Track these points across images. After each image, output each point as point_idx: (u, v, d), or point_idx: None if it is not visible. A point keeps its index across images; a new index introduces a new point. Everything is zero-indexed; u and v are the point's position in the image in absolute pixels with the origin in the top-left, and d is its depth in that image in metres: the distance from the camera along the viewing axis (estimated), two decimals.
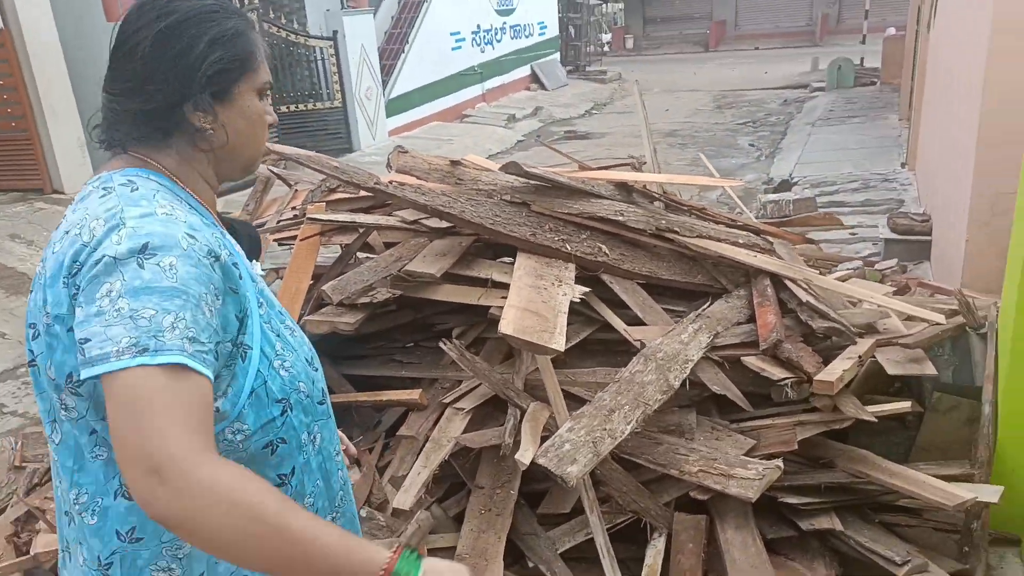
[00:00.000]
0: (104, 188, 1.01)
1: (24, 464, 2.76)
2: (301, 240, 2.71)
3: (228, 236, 1.13)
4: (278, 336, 1.10)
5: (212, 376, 0.94)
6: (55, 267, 0.96)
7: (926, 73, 6.15)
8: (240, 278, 1.04)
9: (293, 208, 3.08)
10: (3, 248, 6.40)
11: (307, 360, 1.15)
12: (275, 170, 3.24)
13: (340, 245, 2.92)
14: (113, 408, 0.89)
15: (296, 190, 3.25)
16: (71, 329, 0.94)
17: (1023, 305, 2.17)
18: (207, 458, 0.88)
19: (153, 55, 1.01)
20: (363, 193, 2.88)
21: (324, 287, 2.50)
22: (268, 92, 1.13)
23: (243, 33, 1.07)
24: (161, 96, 1.02)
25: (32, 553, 2.14)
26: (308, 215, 2.72)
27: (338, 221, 2.72)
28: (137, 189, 1.01)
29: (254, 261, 1.22)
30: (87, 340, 0.90)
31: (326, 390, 1.20)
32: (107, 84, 1.05)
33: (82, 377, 0.91)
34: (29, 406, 4.18)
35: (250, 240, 1.28)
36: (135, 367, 0.88)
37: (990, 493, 2.05)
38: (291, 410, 1.08)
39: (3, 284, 5.82)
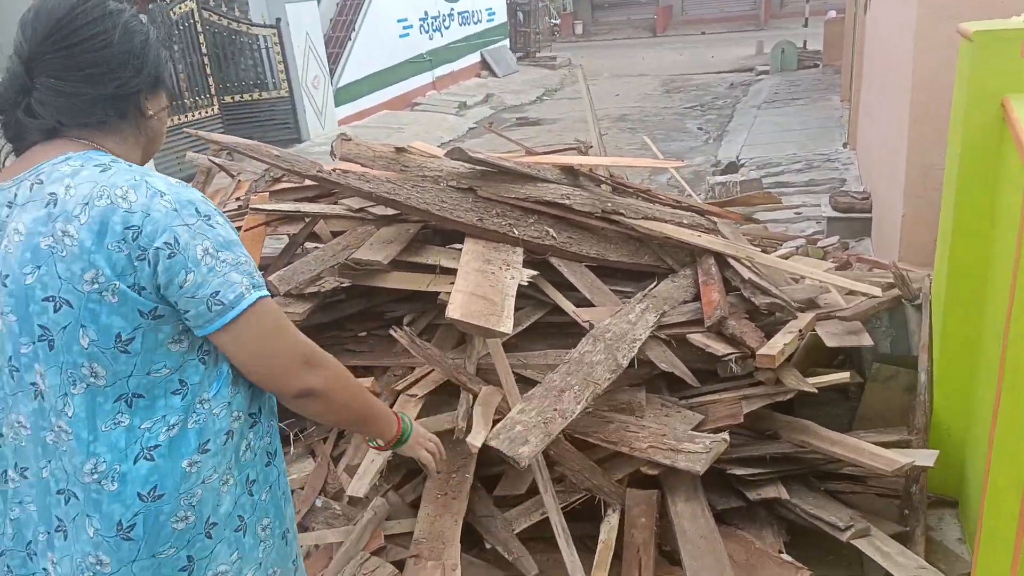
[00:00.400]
0: (96, 165, 1.07)
1: None
2: (245, 231, 2.66)
3: None
4: None
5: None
6: (93, 236, 1.02)
7: (864, 54, 6.31)
8: None
9: (237, 199, 3.02)
10: None
11: None
12: (217, 160, 3.18)
13: (287, 235, 2.89)
14: (262, 333, 1.11)
15: (239, 180, 3.19)
16: (132, 287, 1.04)
17: (954, 276, 2.26)
18: (323, 351, 1.21)
19: (122, 44, 1.10)
20: (308, 182, 2.84)
21: (271, 277, 2.46)
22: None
23: (149, 34, 1.18)
24: (131, 84, 1.12)
25: None
26: (252, 205, 2.68)
27: (283, 211, 2.68)
28: (118, 163, 1.10)
29: None
30: (217, 291, 1.07)
31: None
32: (58, 72, 1.08)
33: (215, 328, 1.08)
34: None
35: None
36: (262, 298, 1.11)
37: (926, 457, 2.13)
38: None
39: None
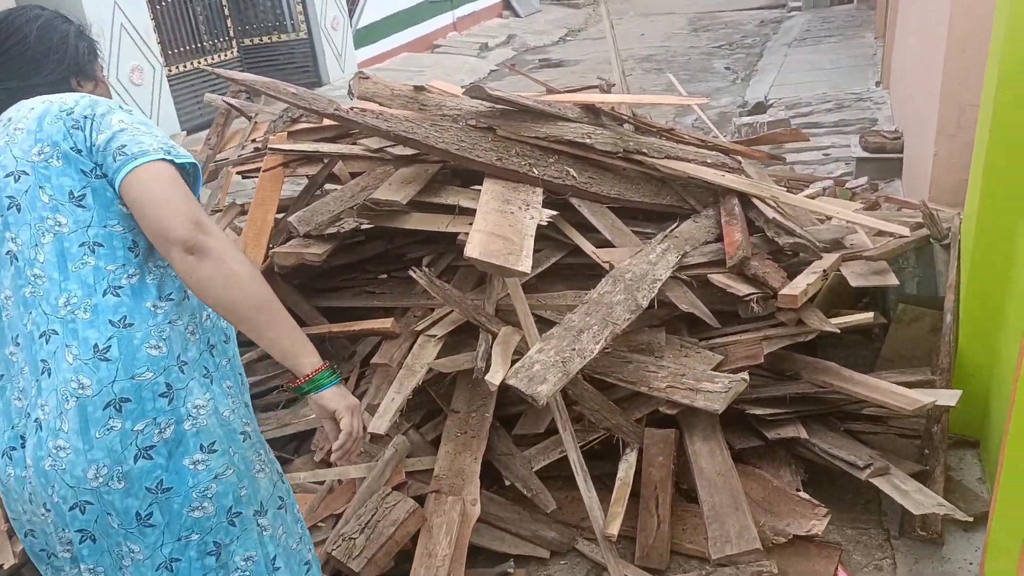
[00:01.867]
0: (18, 106, 1.32)
1: None
2: (264, 171, 2.66)
3: None
4: None
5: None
6: (35, 124, 1.26)
7: None
8: None
9: (254, 140, 3.01)
10: None
11: None
12: (234, 102, 3.15)
13: (305, 176, 2.88)
14: (154, 186, 1.21)
15: (256, 122, 3.17)
16: (72, 149, 1.24)
17: (984, 214, 2.19)
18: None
19: (40, 43, 1.37)
20: (326, 122, 2.81)
21: (290, 218, 2.46)
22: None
23: (83, 32, 1.44)
24: (58, 71, 1.38)
25: None
26: (270, 145, 2.67)
27: (301, 151, 2.66)
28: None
29: None
30: (124, 144, 1.23)
31: None
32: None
33: (125, 172, 1.21)
34: None
35: None
36: (167, 160, 1.23)
37: (948, 397, 2.11)
38: None
39: None
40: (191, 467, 1.25)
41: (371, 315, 2.70)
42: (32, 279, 1.24)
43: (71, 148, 1.24)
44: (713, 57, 10.32)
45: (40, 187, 1.24)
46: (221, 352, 1.36)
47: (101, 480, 1.21)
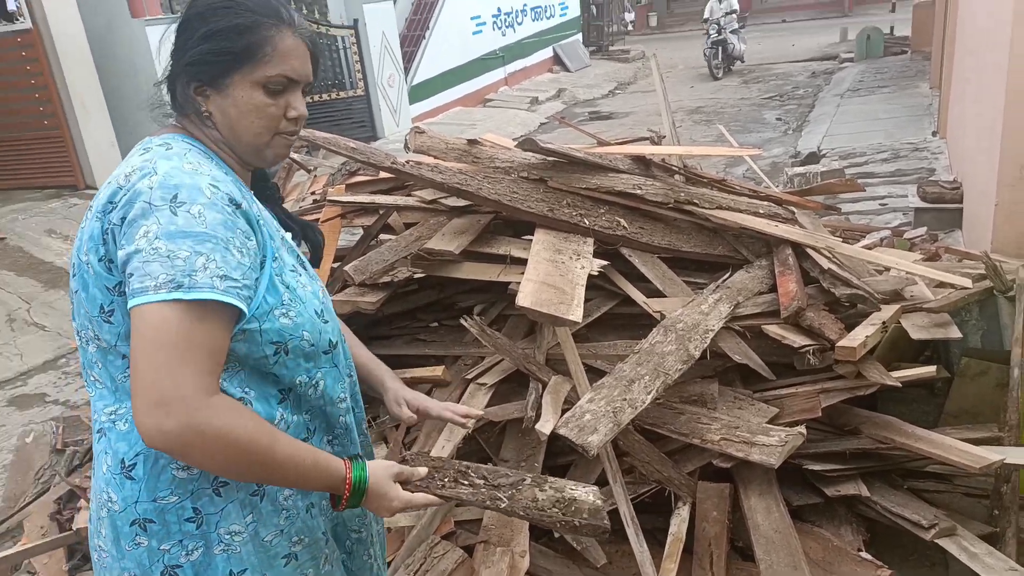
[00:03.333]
0: (144, 148, 1.15)
1: (65, 447, 2.85)
2: (323, 222, 2.75)
3: (251, 195, 1.25)
4: (287, 288, 1.19)
5: (247, 308, 1.09)
6: (93, 211, 1.10)
7: (956, 39, 6.00)
8: (257, 231, 1.15)
9: (313, 192, 3.12)
10: (40, 243, 6.56)
11: (316, 313, 1.25)
12: (295, 157, 3.28)
13: (361, 227, 2.96)
14: (137, 340, 1.02)
15: (315, 175, 3.29)
16: (102, 259, 1.08)
17: None
18: (210, 398, 1.03)
19: (176, 39, 1.18)
20: (383, 175, 2.90)
21: (346, 267, 2.53)
22: (289, 87, 1.20)
23: (246, 28, 1.15)
24: (171, 74, 1.19)
25: (74, 529, 2.22)
26: (328, 197, 2.76)
27: (358, 202, 2.75)
28: (171, 148, 1.14)
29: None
30: (131, 275, 1.03)
31: (335, 342, 1.29)
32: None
33: (129, 307, 1.03)
34: (70, 394, 4.31)
35: (314, 245, 1.47)
36: (170, 302, 1.01)
37: (1018, 455, 2.02)
38: (286, 353, 1.18)
39: (41, 278, 5.98)
40: None
41: (422, 363, 2.73)
42: (91, 376, 1.18)
43: (100, 259, 1.09)
44: (764, 108, 10.33)
45: (84, 291, 1.12)
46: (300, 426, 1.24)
47: None
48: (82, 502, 2.30)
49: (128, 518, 1.13)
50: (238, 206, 1.11)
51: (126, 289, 1.04)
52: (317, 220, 2.86)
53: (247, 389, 1.16)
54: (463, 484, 1.28)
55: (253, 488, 1.18)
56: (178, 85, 1.18)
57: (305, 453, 1.14)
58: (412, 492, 1.24)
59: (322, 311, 1.26)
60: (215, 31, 1.14)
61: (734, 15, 13.71)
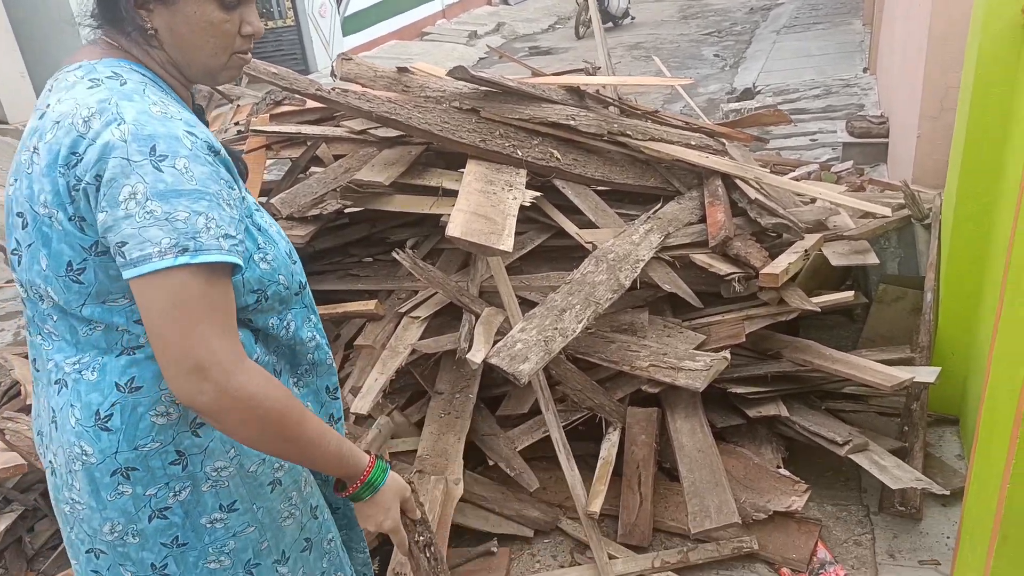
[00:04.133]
0: (91, 80, 1.02)
1: None
2: (246, 153, 2.65)
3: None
4: (259, 230, 1.15)
5: (243, 263, 1.03)
6: (50, 157, 0.99)
7: None
8: (235, 176, 1.10)
9: (236, 123, 2.99)
10: None
11: (287, 253, 1.20)
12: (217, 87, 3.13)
13: (289, 158, 2.87)
14: (154, 309, 0.96)
15: (238, 105, 3.16)
16: (72, 218, 0.99)
17: (963, 194, 2.21)
18: (243, 363, 1.00)
19: None
20: (310, 105, 2.80)
21: (273, 200, 2.46)
22: (243, 2, 1.10)
23: None
24: None
25: None
26: (252, 127, 2.65)
27: (283, 132, 2.65)
28: (126, 83, 1.03)
29: None
30: (124, 243, 0.95)
31: (304, 283, 1.25)
32: None
33: (125, 278, 0.96)
34: None
35: (239, 165, 1.35)
36: (179, 267, 0.95)
37: (927, 374, 2.13)
38: (265, 300, 1.15)
39: None
40: (208, 525, 1.15)
41: (355, 298, 2.70)
42: (46, 332, 1.11)
43: (70, 217, 1.00)
44: (702, 44, 10.31)
45: (46, 247, 1.03)
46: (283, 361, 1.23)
47: (117, 535, 1.14)
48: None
49: (108, 468, 1.09)
50: (216, 153, 1.04)
51: (118, 258, 0.96)
52: (241, 151, 2.76)
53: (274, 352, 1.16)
54: (422, 555, 1.29)
55: None
56: (113, 2, 1.05)
57: (331, 436, 1.11)
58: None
59: (291, 251, 1.22)
60: None
61: None
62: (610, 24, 11.39)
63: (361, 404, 2.15)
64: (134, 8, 1.04)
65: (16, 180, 1.04)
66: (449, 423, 2.33)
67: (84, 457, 1.09)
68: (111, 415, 1.08)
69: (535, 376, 2.17)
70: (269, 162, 2.83)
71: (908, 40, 3.94)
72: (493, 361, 1.95)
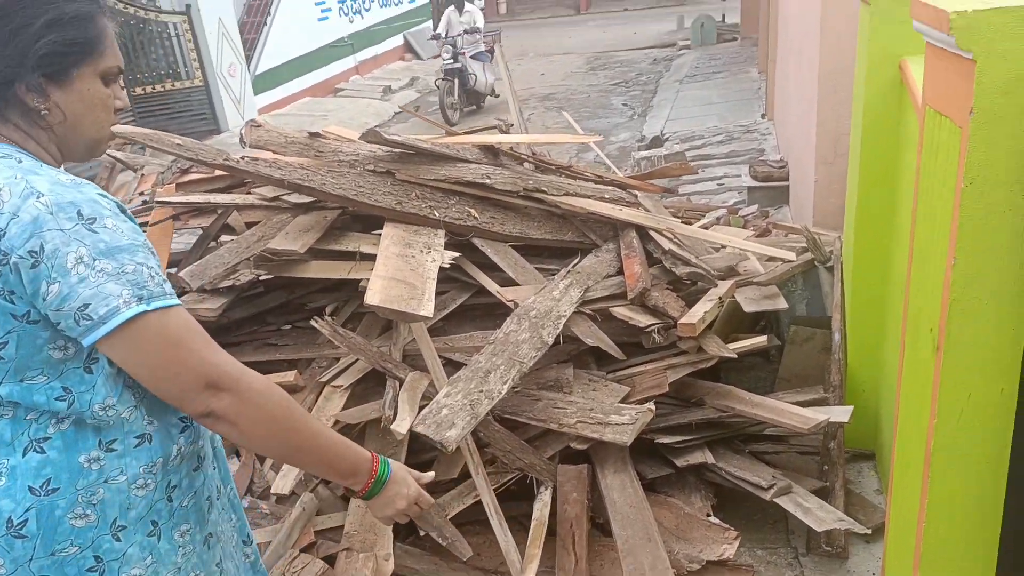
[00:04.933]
0: None
1: None
2: (152, 225, 2.55)
3: None
4: None
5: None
6: None
7: (778, 25, 6.45)
8: None
9: (142, 193, 2.90)
10: None
11: None
12: (118, 155, 3.03)
13: (199, 228, 2.78)
14: (147, 351, 1.02)
15: (143, 174, 3.06)
16: (1, 289, 0.99)
17: (861, 235, 2.33)
18: (242, 367, 1.08)
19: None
20: (218, 172, 2.73)
21: (181, 273, 2.37)
22: (118, 77, 1.15)
23: (86, 17, 1.08)
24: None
25: None
26: (157, 199, 2.57)
27: (191, 202, 2.58)
28: (22, 161, 1.05)
29: None
30: (86, 304, 0.98)
31: None
32: None
33: (93, 340, 1.00)
34: None
35: None
36: (148, 312, 1.01)
37: (841, 413, 2.21)
38: None
39: None
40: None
41: (274, 368, 2.61)
42: None
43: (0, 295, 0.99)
44: (611, 94, 10.68)
45: None
46: (186, 489, 1.20)
47: None
48: None
49: None
50: (123, 210, 1.09)
51: (82, 322, 0.99)
52: (147, 224, 2.66)
53: (151, 420, 1.14)
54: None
55: (149, 529, 1.14)
56: (14, 82, 1.04)
57: (333, 432, 1.21)
58: None
59: None
60: (58, 20, 1.04)
61: (478, 35, 9.74)
62: (474, 107, 10.12)
63: (282, 484, 2.06)
64: (26, 92, 1.05)
65: None
66: None
67: None
68: (25, 520, 1.04)
69: (463, 441, 2.13)
70: (175, 232, 2.73)
71: (801, 88, 4.18)
72: (419, 429, 1.92)
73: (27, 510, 1.04)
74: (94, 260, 0.98)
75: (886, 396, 2.35)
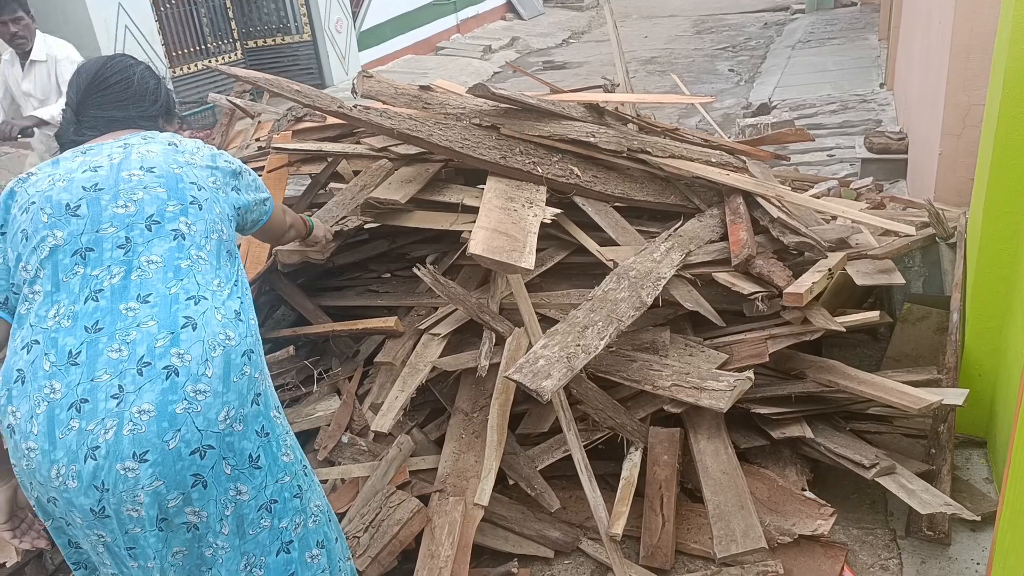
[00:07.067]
0: (171, 139, 1.60)
1: None
2: (268, 172, 2.65)
3: None
4: None
5: None
6: (209, 158, 1.61)
7: None
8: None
9: (257, 139, 3.01)
10: None
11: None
12: (238, 102, 3.15)
13: (309, 174, 2.88)
14: (276, 220, 1.87)
15: (259, 121, 3.17)
16: (235, 188, 1.64)
17: (990, 213, 2.18)
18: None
19: (142, 82, 1.67)
20: (330, 120, 2.81)
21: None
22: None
23: (167, 84, 1.78)
24: (153, 108, 1.68)
25: None
26: (274, 145, 2.66)
27: (305, 150, 2.66)
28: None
29: None
30: (265, 198, 1.76)
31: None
32: (97, 103, 1.63)
33: (269, 216, 1.80)
34: None
35: None
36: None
37: (955, 396, 2.10)
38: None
39: None
40: (275, 417, 1.48)
41: (375, 314, 2.70)
42: (195, 257, 1.47)
43: (233, 189, 1.62)
44: (717, 59, 10.31)
45: (215, 202, 1.56)
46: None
47: (228, 422, 1.36)
48: None
49: (242, 349, 1.42)
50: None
51: (268, 203, 1.78)
52: (262, 168, 2.77)
53: None
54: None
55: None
56: (156, 118, 1.70)
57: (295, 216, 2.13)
58: None
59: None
60: (166, 87, 1.76)
61: None
62: None
63: (382, 423, 2.14)
64: (165, 124, 1.75)
65: (182, 167, 1.56)
66: (469, 442, 2.31)
67: (227, 342, 1.40)
68: (241, 312, 1.47)
69: (556, 395, 2.15)
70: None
71: (927, 58, 3.92)
72: (515, 378, 1.94)
73: (241, 305, 1.50)
74: (257, 178, 1.74)
75: (1005, 381, 2.22)
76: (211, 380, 1.36)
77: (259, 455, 1.42)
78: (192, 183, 1.53)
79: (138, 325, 1.36)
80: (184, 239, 1.47)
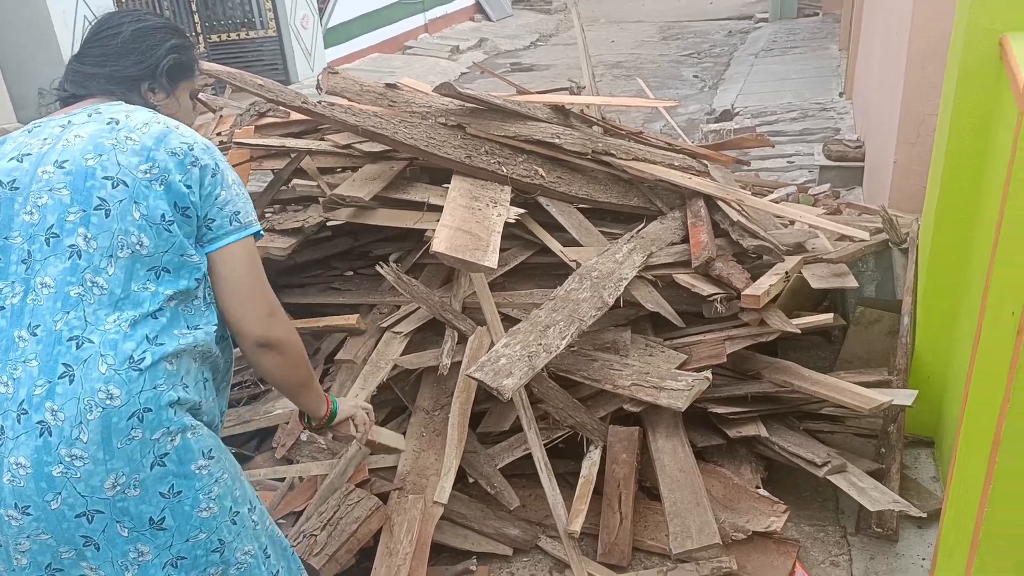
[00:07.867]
0: (146, 108, 1.38)
1: None
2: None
3: None
4: None
5: None
6: (153, 140, 1.28)
7: (864, 2, 6.19)
8: None
9: (219, 134, 2.97)
10: None
11: None
12: (199, 96, 3.10)
13: (271, 170, 2.85)
14: (248, 260, 1.33)
15: (221, 116, 3.13)
16: (182, 181, 1.27)
17: (942, 219, 2.25)
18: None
19: (130, 41, 1.40)
20: (294, 116, 2.79)
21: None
22: (195, 98, 1.55)
23: (191, 48, 1.48)
24: (132, 69, 1.40)
25: None
26: (235, 140, 2.63)
27: (268, 145, 2.64)
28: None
29: None
30: (238, 212, 1.33)
31: None
32: (79, 56, 1.41)
33: (230, 241, 1.31)
34: None
35: None
36: (258, 233, 1.36)
37: (905, 397, 2.16)
38: None
39: None
40: (198, 470, 1.27)
41: (337, 311, 2.68)
42: (88, 284, 1.22)
43: (181, 182, 1.27)
44: (682, 65, 10.44)
45: (135, 203, 1.25)
46: (224, 365, 1.43)
47: (118, 489, 1.20)
48: None
49: (129, 411, 1.20)
50: None
51: (235, 222, 1.32)
52: None
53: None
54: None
55: (204, 380, 1.35)
56: (136, 81, 1.41)
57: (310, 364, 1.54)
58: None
59: None
60: (178, 47, 1.44)
61: None
62: None
63: None
64: (147, 91, 1.43)
65: (100, 155, 1.29)
66: (430, 440, 2.31)
67: (108, 402, 1.19)
68: (144, 358, 1.23)
69: (517, 393, 2.16)
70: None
71: (885, 68, 4.02)
72: (476, 376, 1.95)
73: (144, 351, 1.25)
74: (240, 185, 1.36)
75: (953, 383, 2.29)
76: (87, 446, 1.17)
77: (163, 516, 1.24)
78: (106, 178, 1.24)
79: (24, 361, 1.20)
80: (79, 258, 1.22)
